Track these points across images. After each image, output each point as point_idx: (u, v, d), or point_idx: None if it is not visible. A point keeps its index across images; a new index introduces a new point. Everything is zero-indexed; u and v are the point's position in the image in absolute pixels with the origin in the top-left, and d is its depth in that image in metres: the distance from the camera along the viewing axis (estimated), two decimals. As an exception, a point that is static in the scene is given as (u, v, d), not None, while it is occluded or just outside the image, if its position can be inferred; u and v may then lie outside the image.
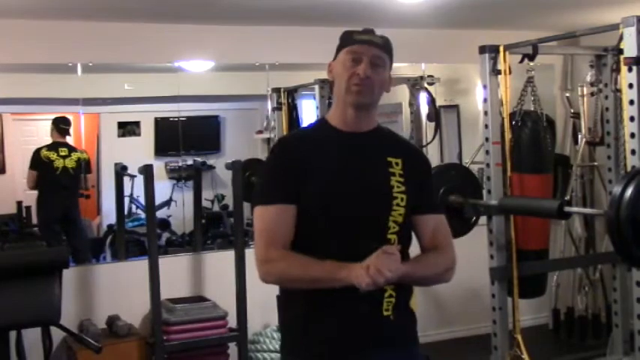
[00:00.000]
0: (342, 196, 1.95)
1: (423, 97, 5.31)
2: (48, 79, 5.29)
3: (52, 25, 4.52)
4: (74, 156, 5.39)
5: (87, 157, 5.49)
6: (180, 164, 6.06)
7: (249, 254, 4.05)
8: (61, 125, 5.40)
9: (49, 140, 5.40)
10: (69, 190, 5.44)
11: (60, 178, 5.33)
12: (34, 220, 5.35)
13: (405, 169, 2.02)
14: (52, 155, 5.32)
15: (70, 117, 5.59)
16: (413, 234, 2.09)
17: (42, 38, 4.50)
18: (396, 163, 2.02)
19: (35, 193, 5.34)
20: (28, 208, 5.33)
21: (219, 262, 4.80)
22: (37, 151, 5.33)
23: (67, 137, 5.42)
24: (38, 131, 5.51)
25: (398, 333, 2.03)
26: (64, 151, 5.36)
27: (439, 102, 5.45)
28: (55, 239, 5.04)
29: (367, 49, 2.00)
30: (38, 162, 5.31)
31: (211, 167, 6.08)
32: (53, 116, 5.46)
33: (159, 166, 5.87)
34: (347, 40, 2.04)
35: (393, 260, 1.84)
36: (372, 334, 1.99)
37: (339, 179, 1.97)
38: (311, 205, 1.95)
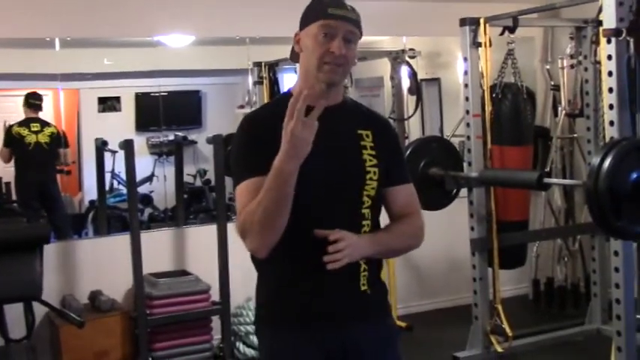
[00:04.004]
0: (315, 173, 1.88)
1: (404, 71, 5.29)
2: (26, 54, 5.22)
3: (28, -2, 4.46)
4: (47, 131, 5.34)
5: (61, 131, 5.44)
6: (161, 139, 6.03)
7: (232, 228, 4.06)
8: (30, 100, 5.36)
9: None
10: (44, 166, 5.40)
11: (33, 154, 5.29)
12: (14, 196, 5.32)
13: (376, 141, 1.99)
14: (24, 131, 5.29)
15: (49, 92, 5.53)
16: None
17: (18, 12, 4.42)
18: (367, 135, 1.99)
19: (13, 169, 5.32)
20: (8, 184, 5.30)
21: (202, 237, 4.80)
22: (9, 128, 5.30)
23: (40, 113, 5.37)
24: (17, 107, 5.44)
25: (375, 307, 2.03)
26: (35, 127, 5.31)
27: (420, 75, 5.43)
28: (34, 216, 5.01)
29: (341, 25, 1.92)
30: (10, 139, 5.28)
31: (193, 142, 6.05)
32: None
33: (140, 142, 5.83)
34: (319, 12, 1.92)
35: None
36: (350, 309, 1.97)
37: (311, 157, 1.84)
38: None
